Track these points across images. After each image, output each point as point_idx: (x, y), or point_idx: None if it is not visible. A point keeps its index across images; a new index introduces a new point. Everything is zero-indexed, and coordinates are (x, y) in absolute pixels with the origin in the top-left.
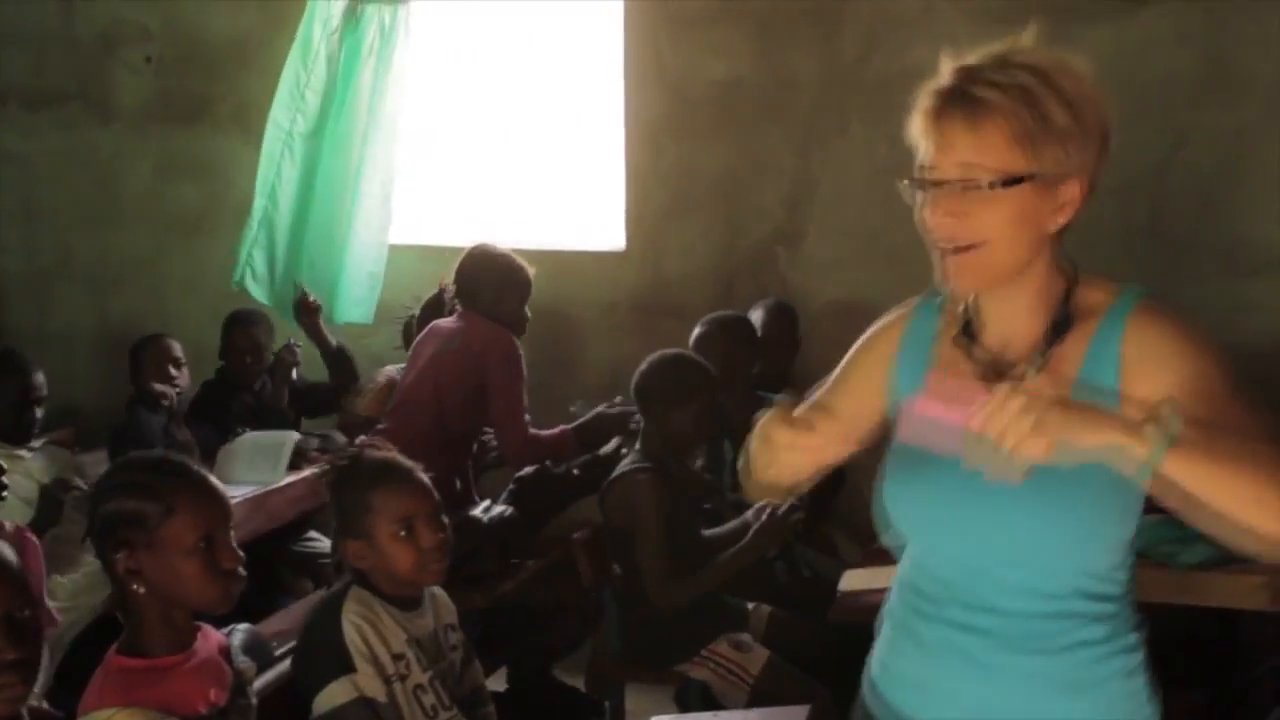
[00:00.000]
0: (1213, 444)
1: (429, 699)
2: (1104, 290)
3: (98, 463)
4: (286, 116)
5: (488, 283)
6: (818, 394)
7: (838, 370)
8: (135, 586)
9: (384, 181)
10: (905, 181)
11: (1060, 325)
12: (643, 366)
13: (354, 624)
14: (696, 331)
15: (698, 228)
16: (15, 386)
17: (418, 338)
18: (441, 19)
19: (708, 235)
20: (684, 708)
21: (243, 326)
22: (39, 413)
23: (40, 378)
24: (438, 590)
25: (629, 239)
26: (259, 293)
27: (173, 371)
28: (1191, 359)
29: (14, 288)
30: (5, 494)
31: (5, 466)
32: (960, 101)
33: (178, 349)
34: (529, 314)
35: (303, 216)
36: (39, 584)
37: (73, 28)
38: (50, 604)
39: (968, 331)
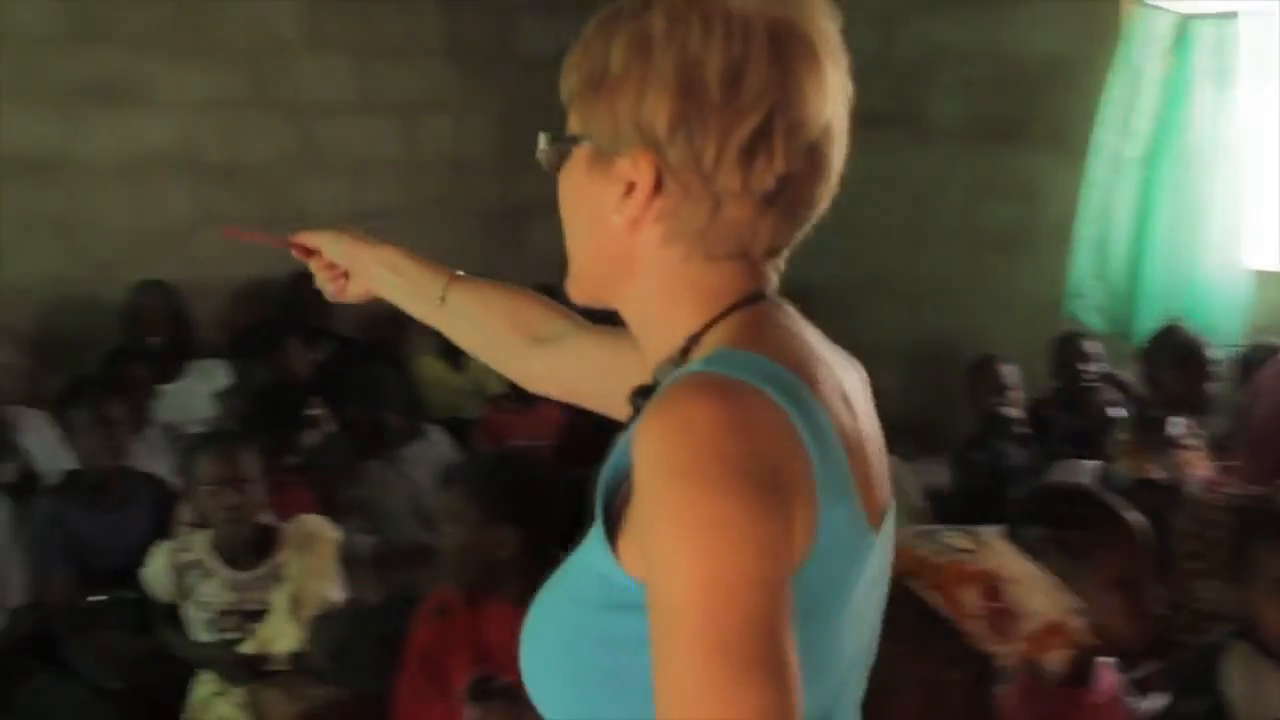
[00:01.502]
0: None
1: None
2: (717, 348)
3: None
4: (1114, 140)
5: None
6: None
7: None
8: None
9: (1231, 205)
10: None
11: (646, 391)
12: None
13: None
14: None
15: None
16: None
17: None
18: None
19: None
20: None
21: (1073, 345)
22: None
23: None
24: None
25: None
26: (1094, 320)
27: (1007, 394)
28: (647, 502)
29: (830, 298)
30: None
31: None
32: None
33: (1009, 373)
34: None
35: (1141, 243)
36: None
37: (892, 51)
38: None
39: None
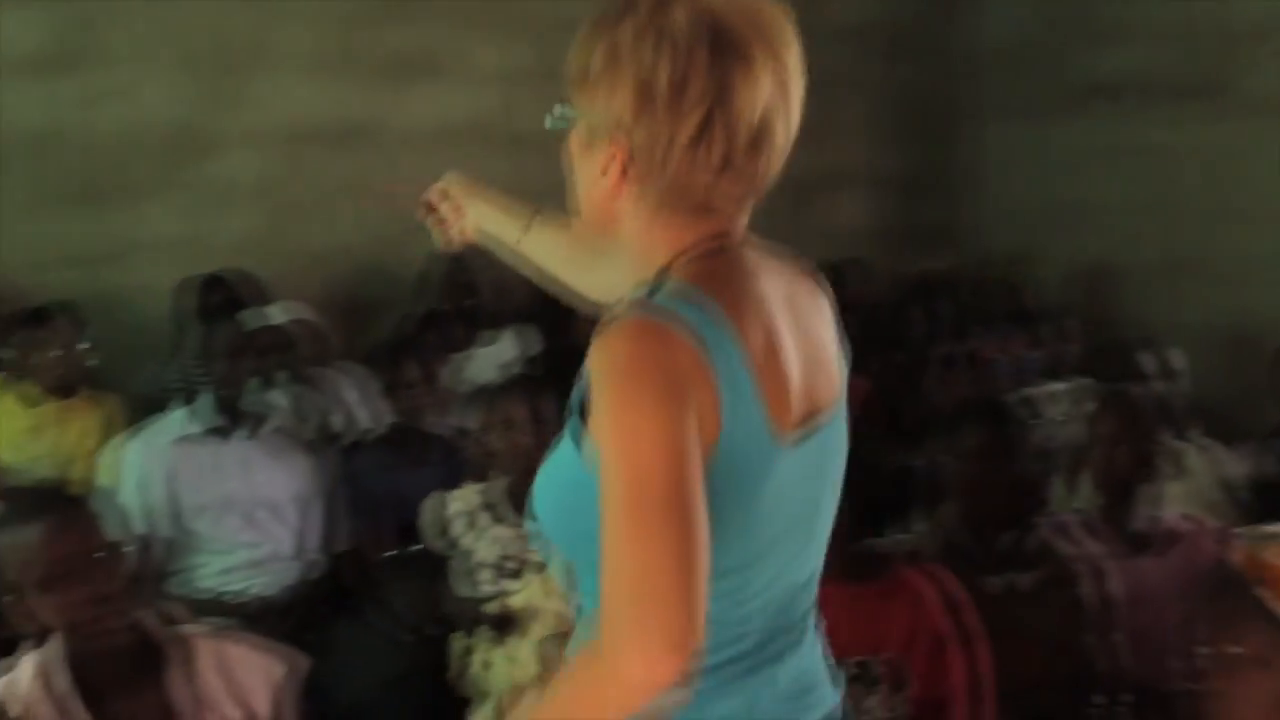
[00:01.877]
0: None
1: None
2: (668, 280)
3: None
4: None
5: None
6: None
7: None
8: None
9: None
10: None
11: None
12: None
13: None
14: None
15: None
16: None
17: None
18: None
19: None
20: None
21: None
22: None
23: None
24: None
25: None
26: None
27: None
28: (597, 407)
29: (1146, 278)
30: None
31: None
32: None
33: None
34: None
35: None
36: None
37: (1204, 24)
38: None
39: None
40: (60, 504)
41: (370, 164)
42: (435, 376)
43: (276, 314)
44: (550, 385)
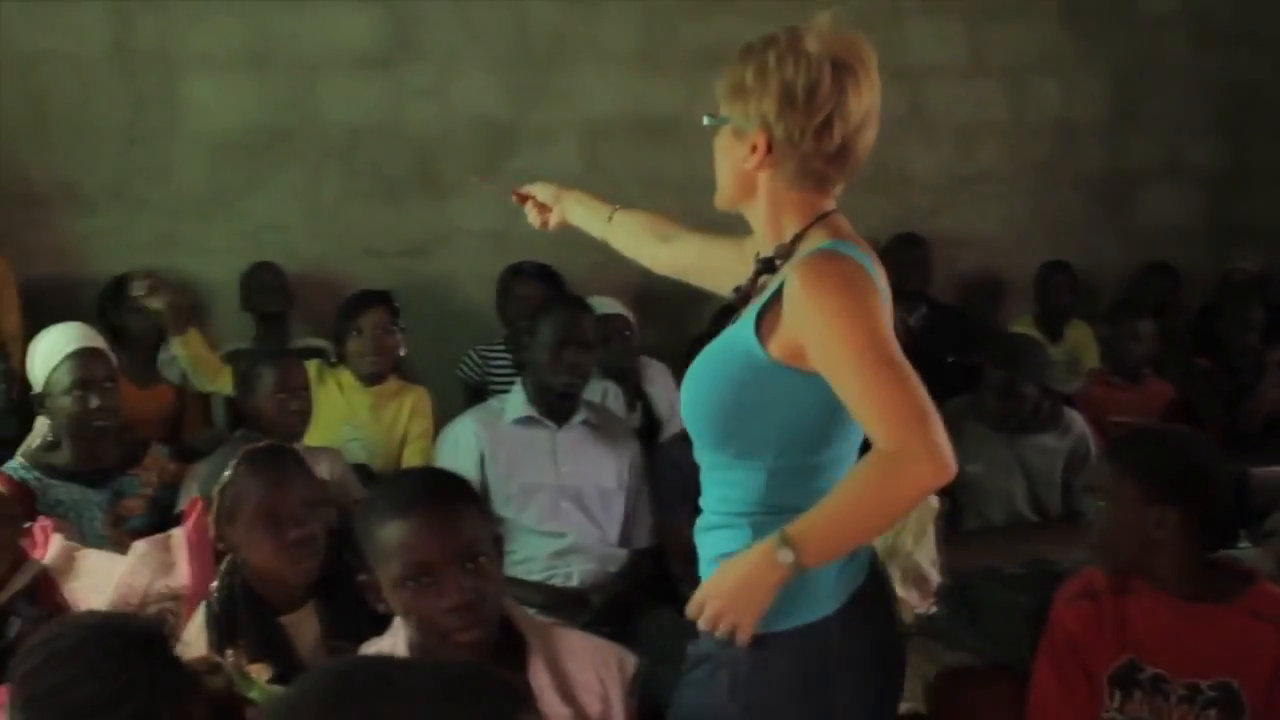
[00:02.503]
0: (822, 515)
1: None
2: (819, 241)
3: None
4: None
5: None
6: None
7: None
8: None
9: None
10: None
11: (768, 262)
12: None
13: None
14: None
15: None
16: None
17: None
18: None
19: None
20: None
21: None
22: None
23: None
24: None
25: None
26: None
27: None
28: (812, 315)
29: None
30: None
31: None
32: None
33: None
34: None
35: None
36: None
37: None
38: None
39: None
40: (436, 498)
41: (668, 158)
42: None
43: (599, 306)
44: None
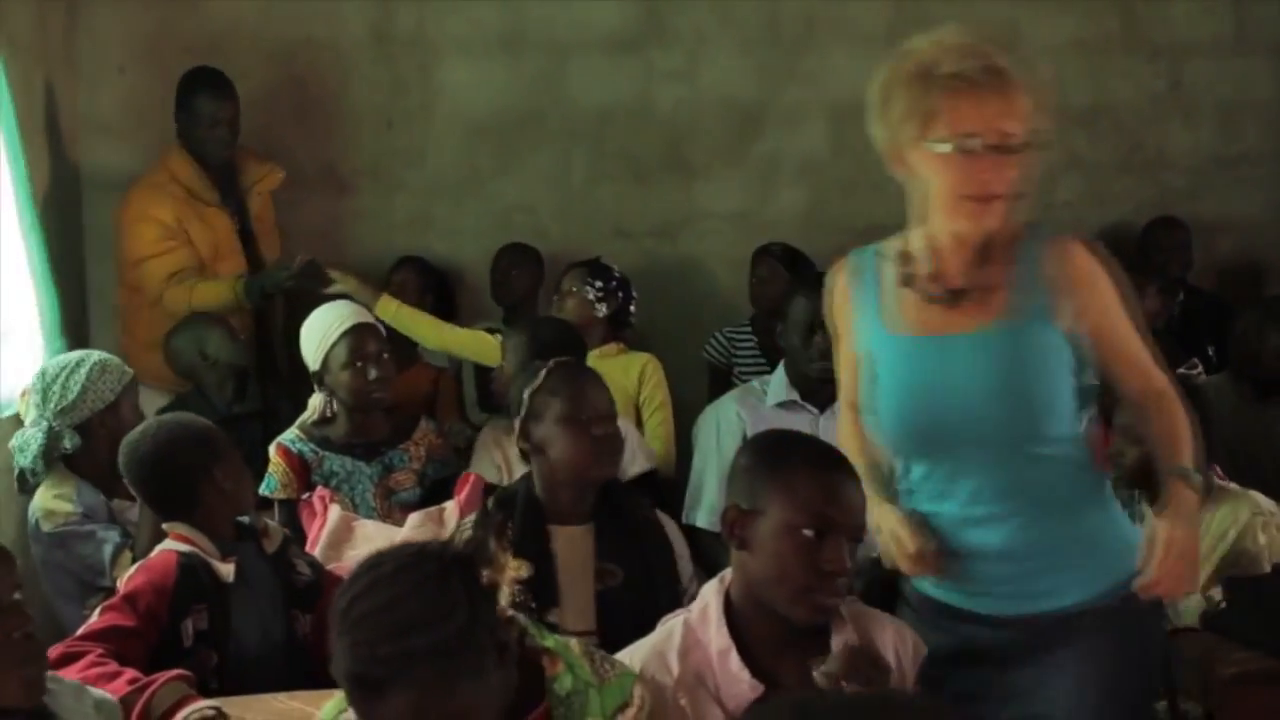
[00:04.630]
0: (1186, 443)
1: None
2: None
3: None
4: None
5: None
6: (842, 395)
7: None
8: None
9: None
10: (976, 143)
11: (983, 252)
12: None
13: None
14: None
15: None
16: None
17: None
18: None
19: None
20: None
21: None
22: None
23: None
24: None
25: None
26: None
27: None
28: (1101, 278)
29: None
30: None
31: None
32: (993, 76)
33: None
34: None
35: None
36: None
37: None
38: None
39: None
40: (848, 469)
41: None
42: None
43: None
44: None
